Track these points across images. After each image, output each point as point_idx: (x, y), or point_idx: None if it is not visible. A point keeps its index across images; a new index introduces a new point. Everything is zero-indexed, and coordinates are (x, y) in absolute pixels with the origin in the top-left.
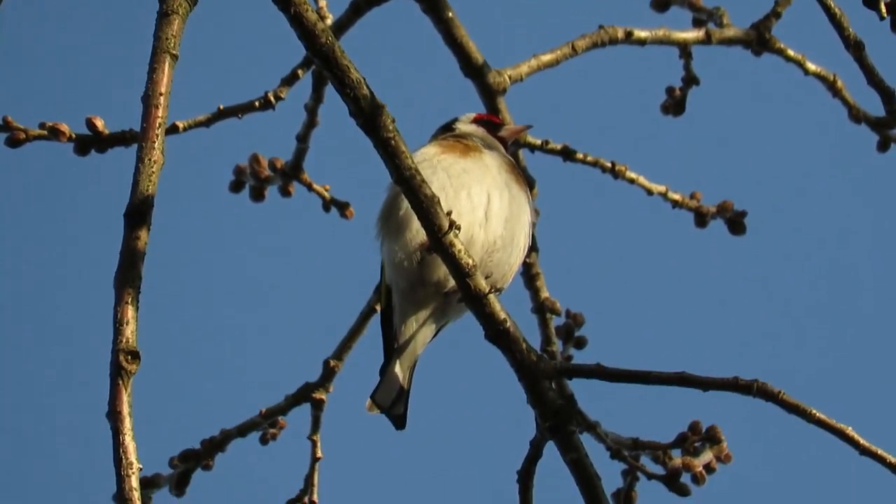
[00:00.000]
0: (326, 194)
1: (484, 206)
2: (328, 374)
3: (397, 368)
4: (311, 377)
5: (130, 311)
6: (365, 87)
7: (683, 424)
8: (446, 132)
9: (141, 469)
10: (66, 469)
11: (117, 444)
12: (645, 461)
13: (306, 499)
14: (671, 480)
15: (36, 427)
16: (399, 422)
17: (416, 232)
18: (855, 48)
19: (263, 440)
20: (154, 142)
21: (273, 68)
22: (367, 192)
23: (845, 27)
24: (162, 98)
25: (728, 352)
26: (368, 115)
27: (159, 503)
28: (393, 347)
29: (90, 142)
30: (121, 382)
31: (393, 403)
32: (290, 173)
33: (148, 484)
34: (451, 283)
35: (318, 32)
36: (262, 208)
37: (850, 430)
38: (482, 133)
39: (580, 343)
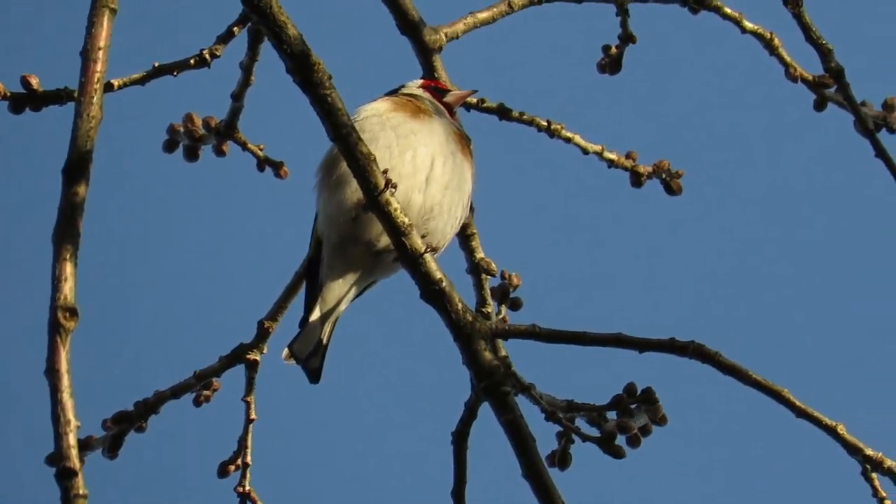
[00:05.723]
0: (261, 153)
1: (426, 171)
2: (262, 334)
3: (318, 322)
4: (245, 338)
5: (69, 268)
6: (302, 44)
7: (621, 387)
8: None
9: (79, 427)
10: (3, 426)
11: (55, 402)
12: (580, 423)
13: (240, 461)
14: (606, 443)
15: None
16: (314, 375)
17: (354, 189)
18: (793, 3)
19: (197, 402)
20: (93, 97)
21: (209, 26)
22: (303, 151)
23: None
24: (101, 52)
25: (666, 313)
26: (305, 71)
27: (92, 465)
28: (316, 300)
29: (24, 100)
30: (59, 339)
31: (309, 356)
32: (225, 132)
33: (81, 446)
34: (383, 242)
35: None
36: (197, 167)
37: (786, 392)
38: (429, 98)
39: (515, 304)
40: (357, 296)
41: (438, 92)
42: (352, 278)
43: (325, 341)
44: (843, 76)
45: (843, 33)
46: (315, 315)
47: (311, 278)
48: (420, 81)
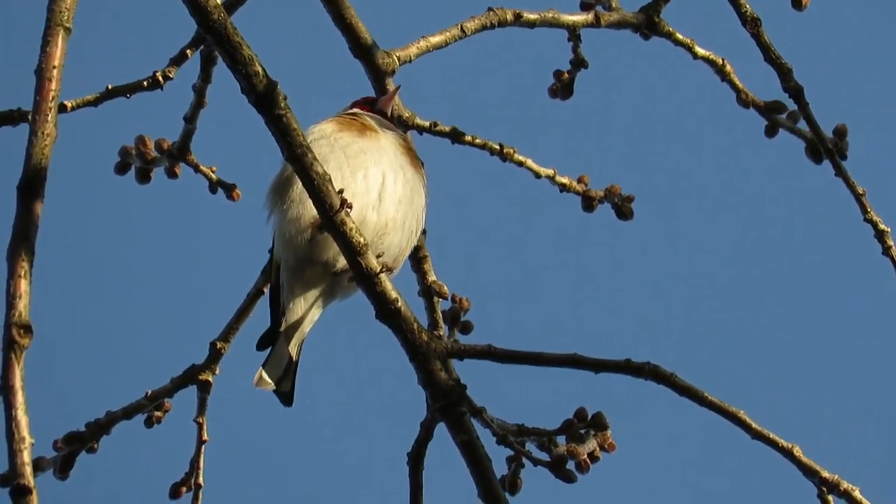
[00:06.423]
0: (213, 175)
1: (378, 188)
2: (214, 356)
3: (284, 346)
4: (197, 359)
5: (24, 285)
6: (257, 64)
7: (577, 405)
8: None
9: (33, 444)
10: None
11: (9, 419)
12: (531, 447)
13: (192, 481)
14: (556, 467)
15: None
16: (286, 399)
17: (309, 210)
18: (752, 24)
19: (149, 423)
20: (47, 115)
21: (162, 48)
22: (255, 173)
23: (742, 3)
24: (55, 71)
25: (619, 337)
26: (260, 91)
27: (43, 486)
28: (280, 324)
29: None
30: (13, 356)
31: (280, 380)
32: (177, 154)
33: (32, 466)
34: (341, 263)
35: (211, 9)
36: (150, 188)
37: (742, 414)
38: (367, 114)
39: (466, 328)
40: (321, 314)
41: (369, 104)
42: (313, 299)
43: (293, 364)
44: (802, 95)
45: (796, 56)
46: (280, 340)
47: (274, 304)
48: (350, 104)
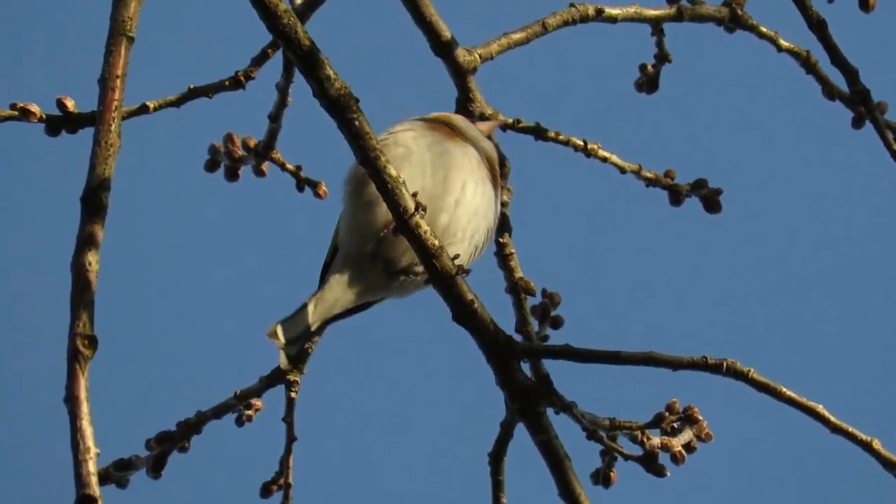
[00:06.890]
0: (300, 173)
1: (457, 194)
2: (301, 355)
3: (307, 314)
4: None
5: (87, 296)
6: (328, 68)
7: (661, 403)
8: None
9: (98, 454)
10: (25, 455)
11: (75, 429)
12: (622, 441)
13: (282, 481)
14: (648, 461)
15: None
16: (289, 363)
17: (385, 211)
18: (818, 27)
19: (239, 422)
20: (110, 125)
21: (246, 48)
22: (334, 170)
23: (808, 6)
24: (118, 80)
25: (705, 329)
26: (332, 95)
27: (137, 485)
28: (317, 290)
29: (61, 122)
30: (78, 367)
31: (292, 341)
32: (263, 153)
33: (125, 466)
34: (404, 262)
35: (280, 13)
36: (233, 186)
37: (820, 408)
38: (464, 120)
39: (556, 323)
40: (354, 305)
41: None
42: (357, 288)
43: (308, 334)
44: (869, 98)
45: (870, 51)
46: (306, 307)
47: (323, 273)
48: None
